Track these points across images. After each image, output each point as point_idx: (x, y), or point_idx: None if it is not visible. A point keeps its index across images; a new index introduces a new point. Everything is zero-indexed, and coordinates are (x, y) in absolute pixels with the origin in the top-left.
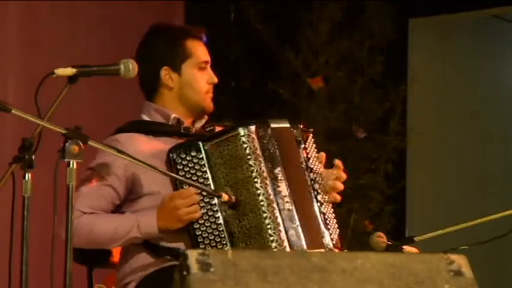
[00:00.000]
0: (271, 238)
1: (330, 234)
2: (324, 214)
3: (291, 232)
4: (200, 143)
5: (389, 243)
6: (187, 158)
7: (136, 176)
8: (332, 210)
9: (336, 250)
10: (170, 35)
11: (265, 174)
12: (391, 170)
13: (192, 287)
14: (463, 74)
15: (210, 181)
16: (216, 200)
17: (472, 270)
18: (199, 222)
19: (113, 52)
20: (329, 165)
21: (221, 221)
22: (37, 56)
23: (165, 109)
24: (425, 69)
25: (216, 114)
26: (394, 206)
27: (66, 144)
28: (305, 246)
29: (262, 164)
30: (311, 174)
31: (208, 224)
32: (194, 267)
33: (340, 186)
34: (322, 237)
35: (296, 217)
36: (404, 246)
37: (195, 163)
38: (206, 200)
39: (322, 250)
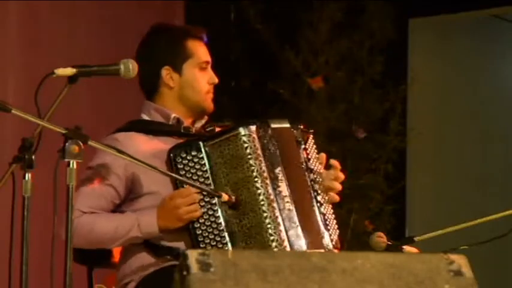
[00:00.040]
0: (272, 238)
1: (330, 235)
2: (324, 215)
3: (291, 232)
4: (201, 143)
5: (389, 243)
6: (188, 158)
7: (136, 176)
8: (332, 211)
9: (336, 251)
10: (171, 35)
11: (265, 174)
12: (391, 170)
13: (192, 287)
14: (463, 74)
15: (211, 181)
16: (216, 199)
17: (472, 270)
18: (200, 221)
19: (113, 52)
20: (329, 165)
21: (221, 220)
22: (37, 56)
23: (165, 109)
24: (425, 69)
25: (216, 114)
26: (394, 206)
27: (66, 144)
28: (305, 247)
29: (263, 164)
30: (311, 175)
31: (209, 223)
32: (194, 267)
33: (338, 187)
34: (322, 237)
35: (296, 217)
36: (404, 246)
37: (195, 162)
38: (206, 199)
39: (322, 250)
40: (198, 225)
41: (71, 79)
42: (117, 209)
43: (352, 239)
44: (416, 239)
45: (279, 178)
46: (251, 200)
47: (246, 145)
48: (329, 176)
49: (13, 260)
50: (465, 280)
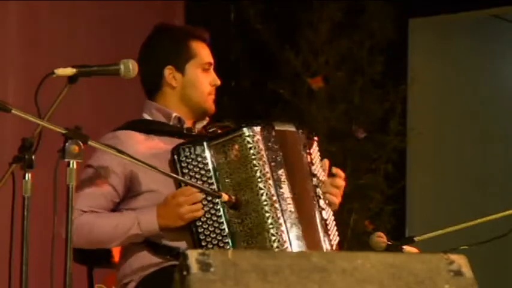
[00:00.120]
0: (273, 238)
1: (330, 241)
2: (325, 220)
3: (293, 233)
4: (205, 143)
5: (389, 243)
6: (192, 157)
7: (134, 174)
8: (333, 217)
9: None
10: (175, 35)
11: (268, 175)
12: (391, 170)
13: (192, 287)
14: (463, 74)
15: (213, 180)
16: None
17: (472, 270)
18: (202, 220)
19: (113, 52)
20: (331, 165)
21: (223, 219)
22: (37, 56)
23: (167, 108)
24: (425, 69)
25: (216, 114)
26: (394, 206)
27: (66, 144)
28: (305, 249)
29: (266, 165)
30: (314, 179)
31: (211, 222)
32: (194, 267)
33: (338, 195)
34: (322, 242)
35: (298, 219)
36: (404, 246)
37: (198, 161)
38: (209, 198)
39: None
40: (200, 223)
41: (71, 79)
42: (116, 207)
43: (352, 239)
44: (416, 239)
45: (282, 180)
46: (254, 200)
47: (249, 145)
48: (331, 183)
49: (13, 260)
50: (465, 280)
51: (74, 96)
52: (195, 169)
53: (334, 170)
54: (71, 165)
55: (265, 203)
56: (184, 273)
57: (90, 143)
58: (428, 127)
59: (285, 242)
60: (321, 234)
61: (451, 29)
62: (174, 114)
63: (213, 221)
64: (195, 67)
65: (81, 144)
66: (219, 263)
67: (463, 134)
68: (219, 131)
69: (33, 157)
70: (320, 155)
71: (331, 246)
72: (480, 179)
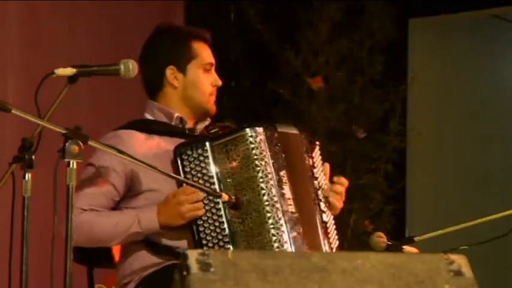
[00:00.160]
0: (274, 238)
1: (330, 244)
2: (326, 223)
3: (293, 234)
4: (207, 142)
5: (389, 243)
6: (194, 155)
7: (135, 173)
8: (334, 221)
9: None
10: (177, 35)
11: (270, 175)
12: (391, 170)
13: (192, 287)
14: (463, 74)
15: (215, 179)
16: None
17: (472, 270)
18: (203, 219)
19: (113, 52)
20: (330, 165)
21: (224, 219)
22: (37, 56)
23: (169, 108)
24: (425, 69)
25: (216, 114)
26: (394, 206)
27: (66, 144)
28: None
29: (268, 166)
30: (315, 182)
31: (211, 221)
32: (194, 267)
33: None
34: (322, 244)
35: (298, 220)
36: (404, 246)
37: (201, 161)
38: (210, 197)
39: None
40: (201, 222)
41: (71, 79)
42: (117, 206)
43: (352, 239)
44: (416, 239)
45: (283, 181)
46: (255, 200)
47: (252, 145)
48: (332, 189)
49: (13, 260)
50: (465, 280)
51: (74, 96)
52: (197, 168)
53: (336, 178)
54: (71, 165)
55: (266, 203)
56: (184, 273)
57: (90, 143)
58: (428, 127)
59: (285, 242)
60: (321, 236)
61: (451, 29)
62: (176, 114)
63: (214, 220)
64: (197, 67)
65: (81, 144)
66: (219, 263)
67: (463, 134)
68: (221, 132)
69: (33, 157)
70: (322, 159)
71: (331, 249)
72: (480, 179)
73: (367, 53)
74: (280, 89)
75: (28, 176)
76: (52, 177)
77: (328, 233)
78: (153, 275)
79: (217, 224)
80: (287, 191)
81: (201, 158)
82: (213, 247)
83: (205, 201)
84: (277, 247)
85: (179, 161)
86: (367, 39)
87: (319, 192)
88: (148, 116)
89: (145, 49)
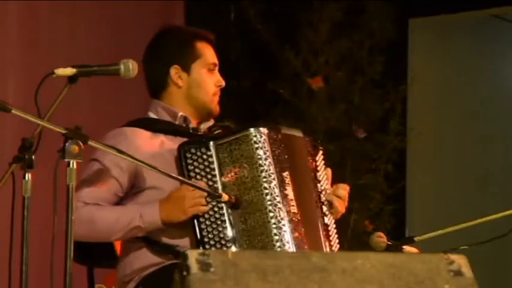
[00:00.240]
0: (276, 238)
1: (331, 246)
2: (327, 226)
3: (295, 234)
4: (211, 142)
5: (389, 243)
6: (197, 154)
7: (139, 170)
8: (335, 225)
9: None
10: (181, 35)
11: (273, 175)
12: (391, 170)
13: (192, 287)
14: (463, 74)
15: (218, 179)
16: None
17: (472, 270)
18: (205, 217)
19: (113, 52)
20: (330, 164)
21: (226, 217)
22: (37, 56)
23: (173, 107)
24: (425, 69)
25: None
26: (394, 206)
27: (66, 144)
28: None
29: (271, 166)
30: (318, 185)
31: (213, 219)
32: (194, 267)
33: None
34: (323, 247)
35: (300, 221)
36: (404, 246)
37: (204, 159)
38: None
39: None
40: (203, 220)
41: (71, 79)
42: (120, 202)
43: (352, 239)
44: (416, 239)
45: (286, 182)
46: (258, 199)
47: (256, 145)
48: (334, 193)
49: (13, 260)
50: (465, 280)
51: (74, 96)
52: (200, 166)
53: (340, 186)
54: (71, 165)
55: (269, 202)
56: (184, 273)
57: (90, 143)
58: (428, 127)
59: (287, 242)
60: (322, 238)
61: (451, 29)
62: (180, 114)
63: (216, 218)
64: (201, 67)
65: (81, 144)
66: (219, 263)
67: (463, 134)
68: (227, 131)
69: (33, 157)
70: (324, 164)
71: (332, 252)
72: (480, 179)
73: (367, 53)
74: (280, 89)
75: (28, 176)
76: (52, 177)
77: (330, 236)
78: (153, 274)
79: (219, 222)
80: (290, 192)
81: (205, 157)
82: (214, 245)
83: (208, 199)
84: (279, 247)
85: (183, 160)
86: (367, 39)
87: (322, 195)
88: (152, 115)
89: (149, 48)
